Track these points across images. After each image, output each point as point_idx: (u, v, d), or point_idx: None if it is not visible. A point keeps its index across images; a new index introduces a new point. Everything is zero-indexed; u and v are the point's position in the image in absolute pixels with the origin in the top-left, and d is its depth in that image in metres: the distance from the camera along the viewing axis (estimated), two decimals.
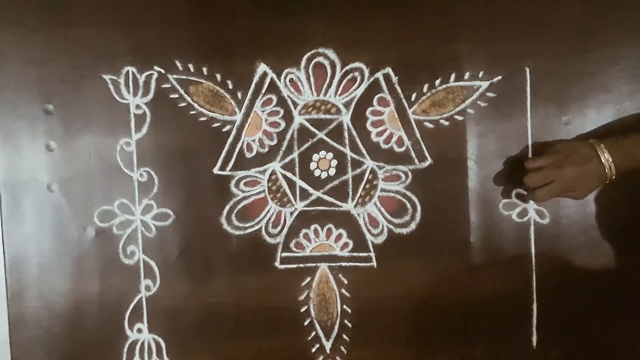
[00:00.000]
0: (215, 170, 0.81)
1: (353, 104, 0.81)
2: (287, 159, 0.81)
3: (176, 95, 0.80)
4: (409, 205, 0.81)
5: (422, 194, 0.81)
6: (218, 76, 0.80)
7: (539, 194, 0.74)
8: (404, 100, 0.81)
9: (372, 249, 0.81)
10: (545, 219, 0.81)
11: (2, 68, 0.79)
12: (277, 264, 0.82)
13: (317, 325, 0.82)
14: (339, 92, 0.81)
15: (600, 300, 0.81)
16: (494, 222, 0.81)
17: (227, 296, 0.81)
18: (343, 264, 0.82)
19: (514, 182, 0.81)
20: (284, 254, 0.82)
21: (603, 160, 0.72)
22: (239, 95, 0.81)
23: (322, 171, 0.81)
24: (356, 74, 0.80)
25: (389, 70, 0.80)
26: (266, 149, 0.81)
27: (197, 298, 0.81)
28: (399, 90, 0.80)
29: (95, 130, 0.80)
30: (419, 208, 0.81)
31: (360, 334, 0.82)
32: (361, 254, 0.82)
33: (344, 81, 0.81)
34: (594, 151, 0.73)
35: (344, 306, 0.82)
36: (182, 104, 0.81)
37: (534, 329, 0.81)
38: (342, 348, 0.82)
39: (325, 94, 0.81)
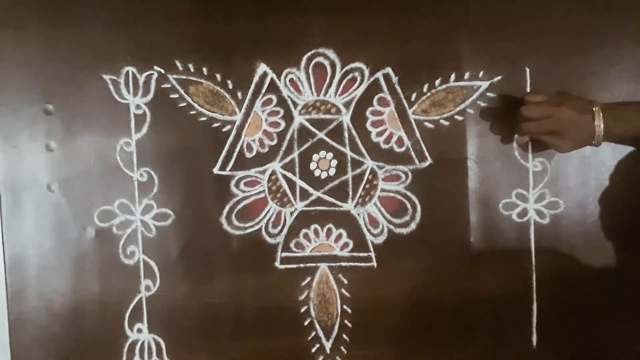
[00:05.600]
0: (215, 170, 0.81)
1: (353, 104, 0.81)
2: (287, 159, 0.81)
3: (176, 95, 0.80)
4: (409, 205, 0.81)
5: (422, 194, 0.81)
6: (218, 76, 0.80)
7: (529, 125, 0.73)
8: (404, 100, 0.81)
9: (372, 249, 0.81)
10: (545, 219, 0.81)
11: (2, 68, 0.79)
12: (277, 264, 0.82)
13: (317, 325, 0.82)
14: (339, 92, 0.81)
15: (600, 300, 0.81)
16: (494, 222, 0.81)
17: (227, 296, 0.81)
18: (343, 264, 0.82)
19: (514, 182, 0.81)
20: (284, 254, 0.82)
21: (596, 119, 0.72)
22: (239, 95, 0.81)
23: (322, 171, 0.81)
24: (356, 74, 0.80)
25: (389, 70, 0.80)
26: (266, 149, 0.81)
27: (197, 298, 0.81)
28: (399, 90, 0.81)
29: (95, 130, 0.80)
30: (419, 208, 0.81)
31: (360, 334, 0.82)
32: (361, 254, 0.82)
33: (344, 81, 0.81)
34: (590, 106, 0.73)
35: (344, 306, 0.82)
36: (182, 104, 0.81)
37: (534, 329, 0.81)
38: (342, 348, 0.82)
39: (325, 94, 0.81)
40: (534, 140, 0.79)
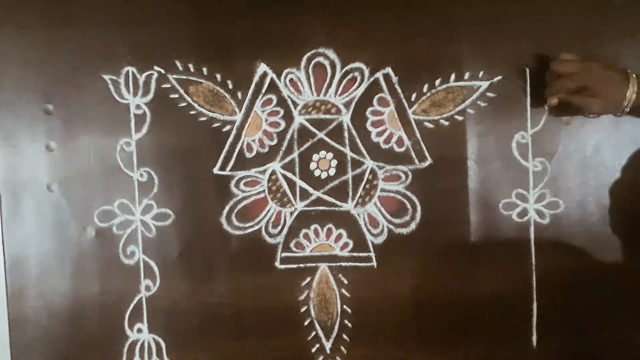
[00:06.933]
0: (215, 170, 0.81)
1: (353, 104, 0.81)
2: (287, 159, 0.81)
3: (176, 95, 0.81)
4: (409, 205, 0.81)
5: (422, 194, 0.81)
6: (218, 76, 0.80)
7: (559, 81, 0.73)
8: (404, 100, 0.81)
9: (372, 249, 0.81)
10: (545, 219, 0.81)
11: (2, 68, 0.79)
12: (277, 264, 0.82)
13: (317, 325, 0.82)
14: (339, 92, 0.81)
15: (600, 300, 0.81)
16: (494, 222, 0.81)
17: (227, 296, 0.81)
18: (343, 264, 0.82)
19: (514, 182, 0.81)
20: (284, 254, 0.82)
21: (630, 81, 0.71)
22: (239, 95, 0.81)
23: (322, 171, 0.81)
24: (356, 74, 0.80)
25: (389, 70, 0.80)
26: (266, 149, 0.81)
27: (197, 298, 0.81)
28: (399, 90, 0.81)
29: (95, 130, 0.80)
30: (419, 208, 0.81)
31: (360, 334, 0.82)
32: (361, 254, 0.82)
33: (344, 81, 0.81)
34: (625, 73, 0.72)
35: (344, 306, 0.82)
36: (182, 104, 0.81)
37: (534, 329, 0.81)
38: (342, 348, 0.82)
39: (325, 94, 0.81)
40: (560, 106, 0.77)
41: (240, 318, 0.82)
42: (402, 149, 0.81)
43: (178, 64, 0.80)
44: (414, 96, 0.81)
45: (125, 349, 0.81)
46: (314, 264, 0.82)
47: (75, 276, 0.81)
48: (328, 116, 0.81)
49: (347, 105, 0.81)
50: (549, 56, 0.79)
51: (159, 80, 0.80)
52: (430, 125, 0.81)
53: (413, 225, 0.81)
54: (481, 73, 0.80)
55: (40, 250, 0.81)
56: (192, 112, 0.81)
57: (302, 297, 0.82)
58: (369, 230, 0.81)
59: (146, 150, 0.81)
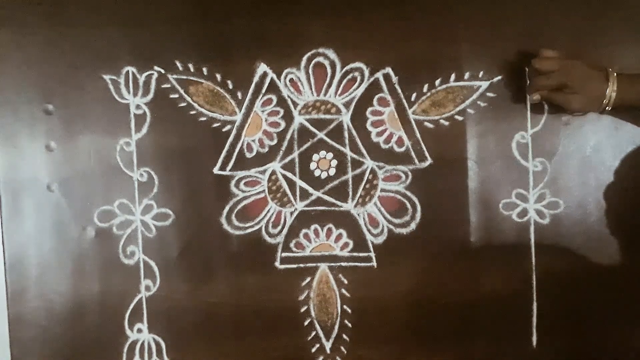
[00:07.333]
0: (215, 170, 0.81)
1: (353, 104, 0.81)
2: (287, 159, 0.81)
3: (176, 95, 0.81)
4: (409, 205, 0.81)
5: (422, 194, 0.81)
6: (218, 76, 0.80)
7: (540, 78, 0.74)
8: (404, 100, 0.81)
9: (372, 249, 0.81)
10: (545, 219, 0.81)
11: (2, 68, 0.79)
12: (277, 264, 0.82)
13: (317, 325, 0.82)
14: (339, 92, 0.81)
15: (600, 300, 0.81)
16: (494, 222, 0.81)
17: (227, 296, 0.81)
18: (343, 264, 0.82)
19: (514, 182, 0.81)
20: (284, 254, 0.82)
21: (610, 79, 0.72)
22: (239, 95, 0.81)
23: (322, 171, 0.81)
24: (356, 74, 0.80)
25: (389, 70, 0.80)
26: (266, 149, 0.81)
27: (197, 298, 0.81)
28: (399, 90, 0.81)
29: (95, 130, 0.80)
30: (419, 208, 0.81)
31: (360, 334, 0.82)
32: (361, 254, 0.82)
33: (344, 81, 0.81)
34: (604, 68, 0.74)
35: (344, 306, 0.82)
36: (182, 104, 0.81)
37: (534, 329, 0.81)
38: (342, 348, 0.82)
39: (325, 94, 0.81)
40: (545, 102, 0.78)
41: (240, 318, 0.82)
42: (402, 149, 0.81)
43: (178, 64, 0.80)
44: (414, 96, 0.81)
45: (125, 349, 0.81)
46: (314, 264, 0.82)
47: (75, 276, 0.81)
48: (328, 116, 0.81)
49: (347, 105, 0.81)
50: None
51: (159, 80, 0.80)
52: (430, 125, 0.81)
53: (413, 225, 0.81)
54: (481, 73, 0.80)
55: (40, 250, 0.81)
56: (192, 112, 0.81)
57: (302, 297, 0.82)
58: (369, 230, 0.81)
59: (146, 150, 0.81)
